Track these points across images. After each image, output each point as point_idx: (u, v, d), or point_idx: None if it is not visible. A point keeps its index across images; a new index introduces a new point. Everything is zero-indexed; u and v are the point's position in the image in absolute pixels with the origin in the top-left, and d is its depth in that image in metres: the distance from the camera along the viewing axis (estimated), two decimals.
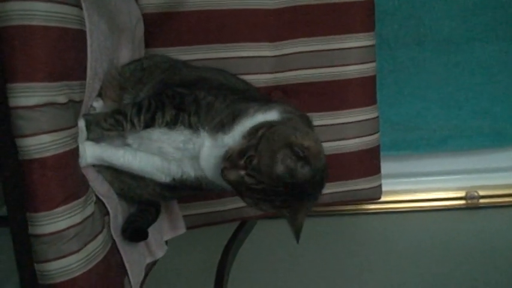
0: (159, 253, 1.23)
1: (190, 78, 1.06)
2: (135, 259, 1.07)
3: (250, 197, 0.87)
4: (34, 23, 0.77)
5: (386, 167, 1.51)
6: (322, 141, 0.91)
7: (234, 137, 0.90)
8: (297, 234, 0.88)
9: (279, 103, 0.97)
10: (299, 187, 0.85)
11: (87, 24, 0.89)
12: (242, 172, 0.85)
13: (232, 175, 0.85)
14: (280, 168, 0.83)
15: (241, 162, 0.84)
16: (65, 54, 0.83)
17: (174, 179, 0.98)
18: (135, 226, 1.03)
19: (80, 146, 0.91)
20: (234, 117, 0.91)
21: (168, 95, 0.96)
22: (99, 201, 0.94)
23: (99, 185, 0.97)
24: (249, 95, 1.04)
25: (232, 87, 1.05)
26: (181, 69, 1.11)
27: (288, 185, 0.84)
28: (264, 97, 1.12)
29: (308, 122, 0.97)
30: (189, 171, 0.95)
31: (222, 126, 0.91)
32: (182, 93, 0.96)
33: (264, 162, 0.83)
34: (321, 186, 0.88)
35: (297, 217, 0.88)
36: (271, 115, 0.91)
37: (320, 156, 0.86)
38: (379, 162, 1.49)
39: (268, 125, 0.86)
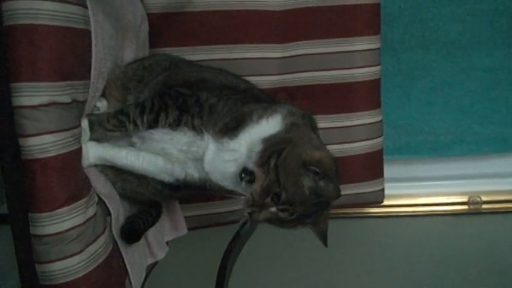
0: (160, 254, 1.22)
1: (192, 78, 1.05)
2: (136, 260, 1.07)
3: (284, 226, 0.89)
4: (39, 22, 0.77)
5: (389, 170, 1.52)
6: (325, 144, 0.94)
7: (240, 143, 0.91)
8: (325, 239, 0.92)
9: (282, 104, 0.98)
10: (324, 200, 0.87)
11: (92, 23, 0.89)
12: (273, 209, 0.86)
13: (263, 215, 0.87)
14: (306, 192, 0.85)
15: (268, 200, 0.86)
16: (69, 53, 0.82)
17: (177, 180, 0.98)
18: (129, 227, 1.03)
19: (83, 146, 0.90)
20: (239, 122, 0.91)
21: (171, 96, 0.95)
22: (101, 202, 0.94)
23: (102, 186, 0.97)
24: (250, 94, 1.03)
25: (234, 86, 1.05)
26: (182, 68, 1.11)
27: (317, 203, 0.87)
28: (266, 96, 1.12)
29: (310, 121, 0.98)
30: (193, 172, 0.95)
31: (226, 131, 0.91)
32: (185, 94, 0.95)
33: (291, 192, 0.85)
34: (338, 189, 0.88)
35: (322, 225, 0.92)
36: (275, 121, 0.92)
37: (331, 164, 0.88)
38: (383, 165, 1.48)
39: (277, 152, 0.87)
